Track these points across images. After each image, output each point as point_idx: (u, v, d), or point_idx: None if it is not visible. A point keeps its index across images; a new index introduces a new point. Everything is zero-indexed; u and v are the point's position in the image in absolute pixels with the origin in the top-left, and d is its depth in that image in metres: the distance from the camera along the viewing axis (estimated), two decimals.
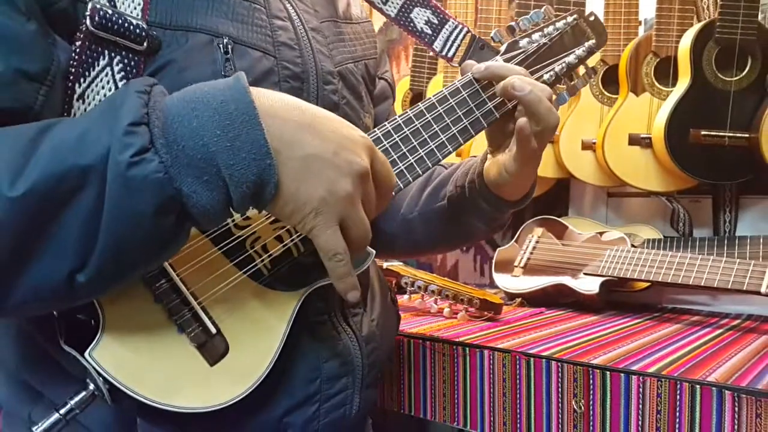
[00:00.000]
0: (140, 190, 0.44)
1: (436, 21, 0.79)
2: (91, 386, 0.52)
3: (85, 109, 0.53)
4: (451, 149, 0.68)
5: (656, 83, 1.25)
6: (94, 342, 0.51)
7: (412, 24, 0.79)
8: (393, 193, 0.58)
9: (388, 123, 0.65)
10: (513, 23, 0.75)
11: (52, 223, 0.44)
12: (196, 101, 0.47)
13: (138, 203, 0.44)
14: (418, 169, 0.66)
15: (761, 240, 1.13)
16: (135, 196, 0.44)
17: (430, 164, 0.66)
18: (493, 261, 1.35)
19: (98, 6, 0.52)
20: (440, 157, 0.67)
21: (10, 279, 0.45)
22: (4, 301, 0.46)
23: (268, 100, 0.49)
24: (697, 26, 1.17)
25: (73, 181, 0.44)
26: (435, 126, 0.67)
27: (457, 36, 0.79)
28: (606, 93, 1.32)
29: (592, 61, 1.27)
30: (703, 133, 1.15)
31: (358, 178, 0.50)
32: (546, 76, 0.75)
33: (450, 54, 0.79)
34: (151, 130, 0.45)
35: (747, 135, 1.14)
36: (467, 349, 0.86)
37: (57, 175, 0.44)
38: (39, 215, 0.44)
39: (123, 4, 0.54)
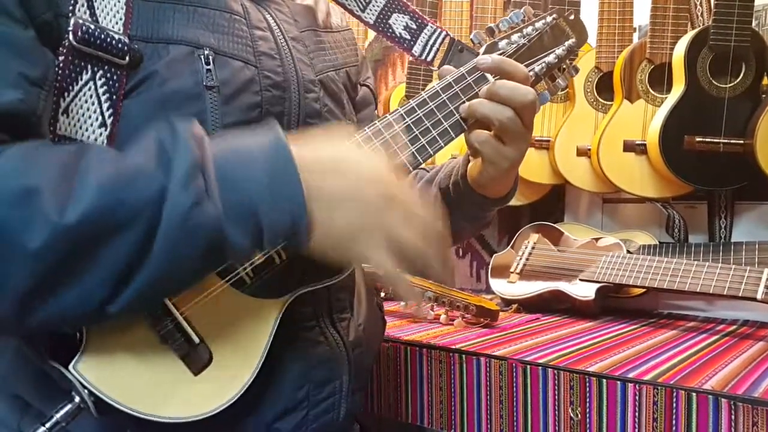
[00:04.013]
0: (197, 235, 0.46)
1: (414, 26, 0.79)
2: (77, 399, 0.52)
3: (70, 123, 0.54)
4: (431, 152, 0.66)
5: (651, 90, 1.25)
6: (77, 355, 0.51)
7: (390, 30, 0.79)
8: None
9: (369, 128, 0.65)
10: (492, 25, 0.74)
11: (92, 254, 0.45)
12: (241, 154, 0.50)
13: (192, 246, 0.46)
14: None
15: (756, 246, 1.13)
16: (191, 239, 0.46)
17: (410, 168, 0.65)
18: (490, 267, 1.35)
19: (81, 21, 0.53)
20: (421, 160, 0.66)
21: (36, 304, 0.45)
22: (24, 321, 0.46)
23: (301, 152, 0.51)
24: (691, 33, 1.18)
25: (123, 216, 0.45)
26: (415, 130, 0.66)
27: (435, 40, 0.79)
28: (600, 100, 1.32)
29: (588, 64, 1.29)
30: (697, 139, 1.16)
31: (385, 202, 0.53)
32: None
33: (429, 58, 0.80)
34: (206, 176, 0.47)
35: (741, 141, 1.15)
36: (464, 356, 0.86)
37: (107, 209, 0.44)
38: (82, 245, 0.44)
39: (105, 18, 0.55)
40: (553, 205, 1.45)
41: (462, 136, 0.70)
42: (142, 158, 0.47)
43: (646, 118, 1.25)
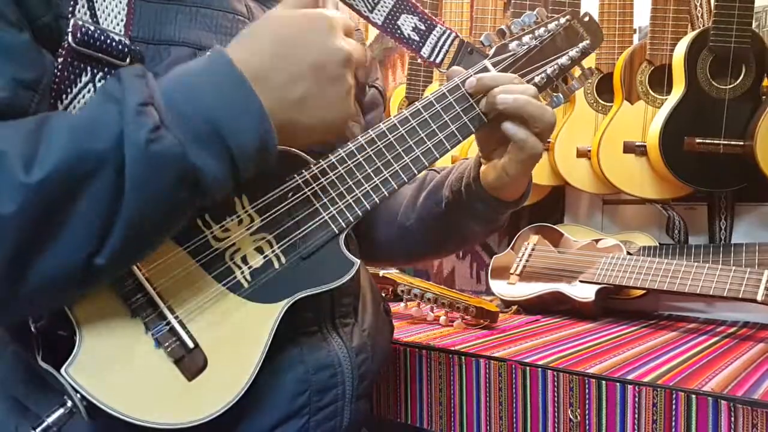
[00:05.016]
0: (161, 166, 0.46)
1: (423, 27, 0.78)
2: (69, 403, 0.52)
3: None
4: (437, 155, 0.67)
5: (651, 91, 1.25)
6: (70, 358, 0.51)
7: (399, 31, 0.78)
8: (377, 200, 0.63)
9: (372, 130, 0.64)
10: (504, 27, 0.73)
11: (69, 208, 0.45)
12: (188, 79, 0.49)
13: (160, 178, 0.46)
14: (403, 176, 0.65)
15: (757, 247, 1.13)
16: (157, 172, 0.46)
17: (416, 171, 0.65)
18: (489, 268, 1.35)
19: (80, 23, 0.52)
20: (426, 164, 0.66)
21: (24, 268, 0.44)
22: (16, 291, 0.45)
23: (243, 55, 0.51)
24: (691, 34, 1.18)
25: (90, 164, 0.45)
26: (421, 132, 0.66)
27: (445, 41, 0.78)
28: (600, 101, 1.32)
29: (588, 65, 1.28)
30: (697, 140, 1.16)
31: (345, 77, 0.54)
32: (537, 79, 0.73)
33: (438, 60, 0.78)
34: (158, 109, 0.47)
35: (742, 143, 1.15)
36: (463, 358, 0.86)
37: (73, 160, 0.44)
38: (56, 201, 0.44)
39: (105, 20, 0.54)
40: (553, 206, 1.45)
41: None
42: (96, 108, 0.48)
43: (646, 119, 1.25)
